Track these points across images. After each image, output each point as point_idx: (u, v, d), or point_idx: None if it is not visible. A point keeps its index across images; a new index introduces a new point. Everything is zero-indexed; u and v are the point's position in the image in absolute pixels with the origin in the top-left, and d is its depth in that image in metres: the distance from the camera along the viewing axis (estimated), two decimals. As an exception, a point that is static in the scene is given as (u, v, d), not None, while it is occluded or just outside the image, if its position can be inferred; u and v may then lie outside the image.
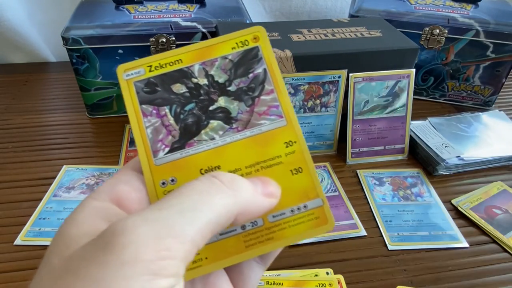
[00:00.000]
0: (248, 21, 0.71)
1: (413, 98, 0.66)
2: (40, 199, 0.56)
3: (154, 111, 0.24)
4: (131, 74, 0.24)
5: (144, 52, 0.68)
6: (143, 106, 0.24)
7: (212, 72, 0.24)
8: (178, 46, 0.68)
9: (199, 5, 0.74)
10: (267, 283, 0.45)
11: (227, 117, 0.24)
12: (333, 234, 0.52)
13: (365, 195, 0.59)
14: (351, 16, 0.78)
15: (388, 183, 0.61)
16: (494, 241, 0.53)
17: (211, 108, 0.24)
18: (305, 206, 0.23)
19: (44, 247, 0.50)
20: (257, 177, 0.22)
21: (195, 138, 0.24)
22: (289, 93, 0.61)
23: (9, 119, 0.74)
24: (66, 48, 0.66)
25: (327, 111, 0.64)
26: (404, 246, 0.51)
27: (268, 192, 0.22)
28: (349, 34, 0.65)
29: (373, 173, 0.63)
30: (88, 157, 0.65)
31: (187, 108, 0.24)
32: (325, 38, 0.63)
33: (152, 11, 0.71)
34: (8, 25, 0.85)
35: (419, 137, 0.67)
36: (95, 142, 0.69)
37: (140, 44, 0.67)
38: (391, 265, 0.49)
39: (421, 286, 0.47)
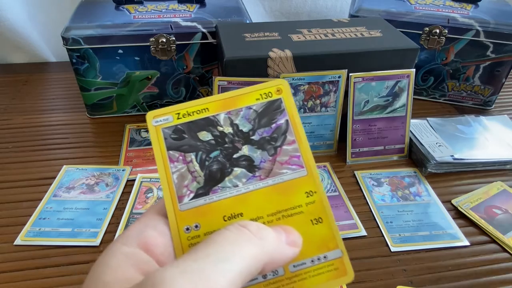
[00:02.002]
0: (248, 21, 0.71)
1: (413, 98, 0.66)
2: (40, 199, 0.56)
3: (181, 157, 0.25)
4: (159, 121, 0.25)
5: (144, 52, 0.68)
6: (170, 152, 0.25)
7: (237, 121, 0.26)
8: (178, 46, 0.68)
9: (199, 5, 0.74)
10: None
11: (250, 165, 0.25)
12: (333, 234, 0.52)
13: (364, 196, 0.59)
14: (351, 16, 0.78)
15: (386, 184, 0.61)
16: (494, 241, 0.53)
17: (235, 156, 0.25)
18: (325, 257, 0.24)
19: (44, 247, 0.50)
20: (280, 226, 0.23)
21: (219, 185, 0.25)
22: (289, 93, 0.61)
23: (9, 119, 0.74)
24: (66, 48, 0.66)
25: (327, 111, 0.64)
26: (407, 247, 0.51)
27: (291, 241, 0.22)
28: (349, 34, 0.65)
29: (370, 174, 0.63)
30: (88, 157, 0.65)
31: (212, 155, 0.25)
32: (325, 38, 0.63)
33: (152, 11, 0.71)
34: (9, 25, 0.85)
35: (414, 135, 0.67)
36: (95, 142, 0.69)
37: (140, 44, 0.67)
38: (391, 265, 0.49)
39: (421, 286, 0.47)
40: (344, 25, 0.68)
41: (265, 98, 0.26)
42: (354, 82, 0.62)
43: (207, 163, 0.25)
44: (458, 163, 0.62)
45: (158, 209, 0.24)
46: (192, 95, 0.75)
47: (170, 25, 0.68)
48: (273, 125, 0.26)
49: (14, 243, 0.50)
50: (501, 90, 0.78)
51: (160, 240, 0.22)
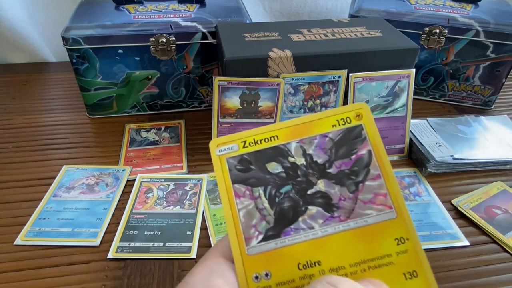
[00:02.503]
0: (248, 21, 0.71)
1: (413, 98, 0.66)
2: (40, 199, 0.56)
3: (248, 192, 0.22)
4: (224, 150, 0.22)
5: (144, 52, 0.68)
6: (236, 185, 0.22)
7: (310, 151, 0.22)
8: (178, 46, 0.68)
9: (199, 5, 0.74)
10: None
11: (327, 203, 0.22)
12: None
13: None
14: (351, 16, 0.78)
15: (388, 183, 0.61)
16: (494, 241, 0.53)
17: (309, 192, 0.22)
18: None
19: (44, 247, 0.50)
20: (369, 280, 0.19)
21: (292, 226, 0.21)
22: (289, 93, 0.61)
23: (9, 119, 0.74)
24: (66, 48, 0.66)
25: (327, 111, 0.64)
26: (404, 246, 0.51)
27: None
28: (349, 34, 0.65)
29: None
30: (88, 157, 0.65)
31: (283, 190, 0.22)
32: (325, 38, 0.63)
33: (152, 11, 0.71)
34: (8, 25, 0.85)
35: (414, 135, 0.67)
36: (95, 142, 0.69)
37: (140, 44, 0.67)
38: (391, 265, 0.49)
39: (421, 286, 0.47)
40: (344, 25, 0.68)
41: (343, 124, 0.22)
42: (354, 82, 0.62)
43: (277, 199, 0.22)
44: (458, 163, 0.62)
45: (223, 251, 0.21)
46: (192, 95, 0.75)
47: (170, 25, 0.68)
48: (353, 156, 0.22)
49: (14, 243, 0.50)
50: (501, 90, 0.78)
51: None
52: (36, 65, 0.94)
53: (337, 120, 0.22)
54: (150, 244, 0.50)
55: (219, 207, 0.56)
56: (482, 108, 0.80)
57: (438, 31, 0.73)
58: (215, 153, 0.22)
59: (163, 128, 0.72)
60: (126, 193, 0.58)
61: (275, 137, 0.22)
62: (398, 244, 0.21)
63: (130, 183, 0.60)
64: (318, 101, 0.63)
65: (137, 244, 0.50)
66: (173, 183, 0.60)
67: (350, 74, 0.61)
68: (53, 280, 0.46)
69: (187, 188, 0.59)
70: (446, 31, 0.73)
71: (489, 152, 0.64)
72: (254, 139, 0.22)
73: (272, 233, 0.21)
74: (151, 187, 0.59)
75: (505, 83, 0.77)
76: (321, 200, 0.22)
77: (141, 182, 0.60)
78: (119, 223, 0.53)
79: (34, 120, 0.74)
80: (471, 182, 0.62)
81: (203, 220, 0.54)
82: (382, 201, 0.21)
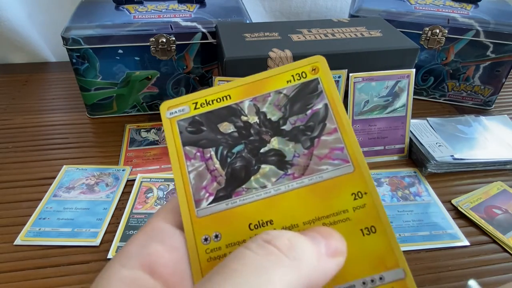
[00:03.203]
0: (248, 21, 0.71)
1: (413, 98, 0.66)
2: (40, 199, 0.56)
3: (198, 154, 0.21)
4: (174, 112, 0.22)
5: (144, 52, 0.68)
6: (187, 147, 0.21)
7: (264, 109, 0.21)
8: (178, 46, 0.68)
9: (199, 5, 0.74)
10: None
11: (281, 161, 0.21)
12: (333, 234, 0.52)
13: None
14: (351, 16, 0.78)
15: (386, 184, 0.61)
16: (494, 241, 0.53)
17: (262, 150, 0.21)
18: (381, 278, 0.18)
19: (44, 247, 0.50)
20: (315, 230, 0.18)
21: (243, 186, 0.20)
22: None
23: (9, 119, 0.74)
24: (66, 48, 0.66)
25: (327, 111, 0.64)
26: (407, 247, 0.51)
27: (333, 250, 0.17)
28: (349, 34, 0.65)
29: (371, 174, 0.63)
30: (88, 157, 0.65)
31: (235, 150, 0.21)
32: (325, 38, 0.63)
33: (152, 11, 0.71)
34: (8, 25, 0.85)
35: (414, 135, 0.67)
36: (95, 142, 0.69)
37: (140, 44, 0.67)
38: (391, 265, 0.49)
39: (421, 286, 0.47)
40: (344, 25, 0.68)
41: (298, 79, 0.21)
42: (354, 82, 0.62)
43: (229, 159, 0.21)
44: (458, 163, 0.62)
45: (165, 215, 0.20)
46: (192, 95, 0.75)
47: (170, 25, 0.68)
48: (309, 112, 0.21)
49: (14, 243, 0.50)
50: (501, 90, 0.78)
51: (169, 257, 0.18)
52: (36, 65, 0.94)
53: (292, 76, 0.21)
54: (150, 244, 0.50)
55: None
56: (482, 108, 0.80)
57: (438, 31, 0.73)
58: (166, 116, 0.22)
59: (163, 128, 0.72)
60: (126, 193, 0.58)
61: (228, 97, 0.21)
62: (355, 199, 0.19)
63: (130, 183, 0.60)
64: (318, 101, 0.63)
65: (137, 244, 0.50)
66: (173, 183, 0.60)
67: (350, 74, 0.61)
68: (53, 280, 0.46)
69: (187, 188, 0.59)
70: (446, 31, 0.73)
71: (489, 152, 0.64)
72: (206, 100, 0.21)
73: (223, 194, 0.20)
74: (151, 187, 0.59)
75: (505, 83, 0.77)
76: (274, 158, 0.21)
77: (141, 182, 0.60)
78: (119, 223, 0.53)
79: (34, 120, 0.74)
80: (471, 182, 0.62)
81: (203, 220, 0.54)
82: (338, 156, 0.20)
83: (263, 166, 0.21)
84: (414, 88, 0.80)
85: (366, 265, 0.19)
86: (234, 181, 0.21)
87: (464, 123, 0.71)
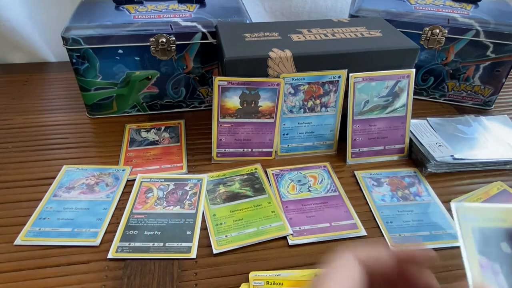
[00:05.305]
0: (248, 21, 0.71)
1: (413, 98, 0.66)
2: (40, 199, 0.56)
3: (488, 266, 0.24)
4: (474, 220, 0.25)
5: (144, 52, 0.68)
6: (479, 255, 0.24)
7: None
8: (178, 46, 0.68)
9: (199, 5, 0.74)
10: (267, 283, 0.45)
11: None
12: (333, 234, 0.52)
13: (364, 196, 0.59)
14: (351, 16, 0.78)
15: (386, 184, 0.61)
16: (494, 241, 0.53)
17: None
18: None
19: (44, 247, 0.50)
20: None
21: None
22: (289, 93, 0.61)
23: (9, 119, 0.74)
24: (66, 48, 0.66)
25: (327, 111, 0.64)
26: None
27: None
28: (349, 34, 0.65)
29: (371, 174, 0.63)
30: (88, 157, 0.65)
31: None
32: (325, 38, 0.63)
33: (152, 11, 0.71)
34: (8, 25, 0.85)
35: (414, 135, 0.67)
36: (95, 142, 0.69)
37: (140, 44, 0.67)
38: (391, 265, 0.49)
39: (421, 286, 0.47)
40: (344, 25, 0.68)
41: None
42: (354, 82, 0.62)
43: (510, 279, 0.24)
44: (458, 163, 0.62)
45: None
46: (192, 95, 0.75)
47: (170, 25, 0.68)
48: None
49: (14, 243, 0.50)
50: (501, 90, 0.78)
51: None
52: (36, 65, 0.94)
53: None
54: (150, 244, 0.50)
55: (218, 207, 0.56)
56: (482, 108, 0.80)
57: (438, 31, 0.73)
58: (465, 221, 0.25)
59: (163, 128, 0.72)
60: (126, 193, 0.58)
61: (504, 220, 0.25)
62: None
63: (130, 183, 0.60)
64: (318, 101, 0.63)
65: (137, 244, 0.50)
66: (173, 183, 0.60)
67: (350, 74, 0.61)
68: (53, 280, 0.46)
69: (187, 188, 0.59)
70: (446, 31, 0.73)
71: (489, 152, 0.64)
72: (498, 216, 0.25)
73: None
74: (151, 187, 0.59)
75: (505, 83, 0.77)
76: None
77: (141, 182, 0.60)
78: (119, 223, 0.53)
79: (34, 120, 0.74)
80: (471, 182, 0.62)
81: (203, 220, 0.54)
82: None
83: None
84: (414, 88, 0.80)
85: None
86: None
87: (464, 123, 0.71)
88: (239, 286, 0.45)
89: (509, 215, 0.25)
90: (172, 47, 0.68)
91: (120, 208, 0.56)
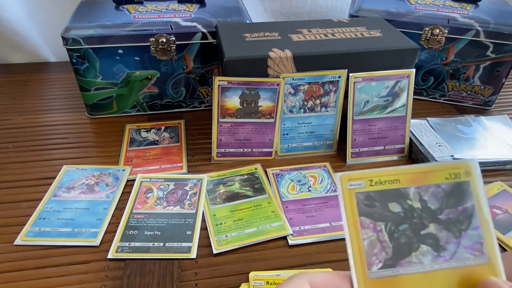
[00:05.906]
0: (248, 21, 0.71)
1: (413, 98, 0.66)
2: (40, 199, 0.56)
3: (371, 225, 0.25)
4: (353, 185, 0.26)
5: (144, 52, 0.68)
6: (362, 217, 0.25)
7: (425, 198, 0.26)
8: (178, 46, 0.68)
9: (199, 5, 0.74)
10: (267, 283, 0.45)
11: (436, 244, 0.26)
12: (333, 234, 0.52)
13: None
14: (351, 16, 0.78)
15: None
16: (494, 241, 0.52)
17: (422, 232, 0.26)
18: None
19: (44, 247, 0.50)
20: None
21: (406, 259, 0.25)
22: (289, 93, 0.61)
23: (9, 119, 0.74)
24: (66, 48, 0.66)
25: (327, 111, 0.64)
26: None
27: None
28: (349, 34, 0.65)
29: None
30: (88, 157, 0.65)
31: (401, 228, 0.26)
32: (325, 38, 0.63)
33: (152, 11, 0.71)
34: (8, 25, 0.85)
35: (414, 135, 0.67)
36: (95, 142, 0.69)
37: (140, 44, 0.67)
38: (391, 265, 0.49)
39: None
40: (344, 25, 0.68)
41: (454, 178, 0.26)
42: (354, 82, 0.62)
43: (395, 235, 0.25)
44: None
45: (310, 279, 0.24)
46: (192, 95, 0.75)
47: (170, 25, 0.68)
48: (460, 207, 0.26)
49: (14, 243, 0.50)
50: (501, 90, 0.78)
51: None
52: (36, 65, 0.94)
53: (450, 174, 0.26)
54: (150, 244, 0.50)
55: (218, 207, 0.56)
56: (482, 108, 0.80)
57: (438, 31, 0.73)
58: (346, 187, 0.26)
59: (163, 128, 0.72)
60: (126, 193, 0.58)
61: (397, 181, 0.26)
62: None
63: (130, 183, 0.60)
64: (318, 101, 0.63)
65: (137, 244, 0.50)
66: (173, 183, 0.60)
67: (350, 74, 0.61)
68: (53, 280, 0.46)
69: (187, 188, 0.59)
70: (446, 31, 0.73)
71: (489, 152, 0.64)
72: (380, 179, 0.26)
73: (390, 263, 0.25)
74: (151, 187, 0.59)
75: (505, 83, 0.77)
76: (431, 240, 0.26)
77: (141, 182, 0.60)
78: (119, 223, 0.53)
79: (34, 120, 0.74)
80: (471, 182, 0.62)
81: (203, 220, 0.54)
82: (478, 249, 0.26)
83: (422, 245, 0.26)
84: (414, 88, 0.80)
85: None
86: (399, 253, 0.25)
87: (464, 123, 0.71)
88: (239, 286, 0.45)
89: (402, 176, 0.26)
90: (172, 47, 0.68)
91: (120, 208, 0.56)
